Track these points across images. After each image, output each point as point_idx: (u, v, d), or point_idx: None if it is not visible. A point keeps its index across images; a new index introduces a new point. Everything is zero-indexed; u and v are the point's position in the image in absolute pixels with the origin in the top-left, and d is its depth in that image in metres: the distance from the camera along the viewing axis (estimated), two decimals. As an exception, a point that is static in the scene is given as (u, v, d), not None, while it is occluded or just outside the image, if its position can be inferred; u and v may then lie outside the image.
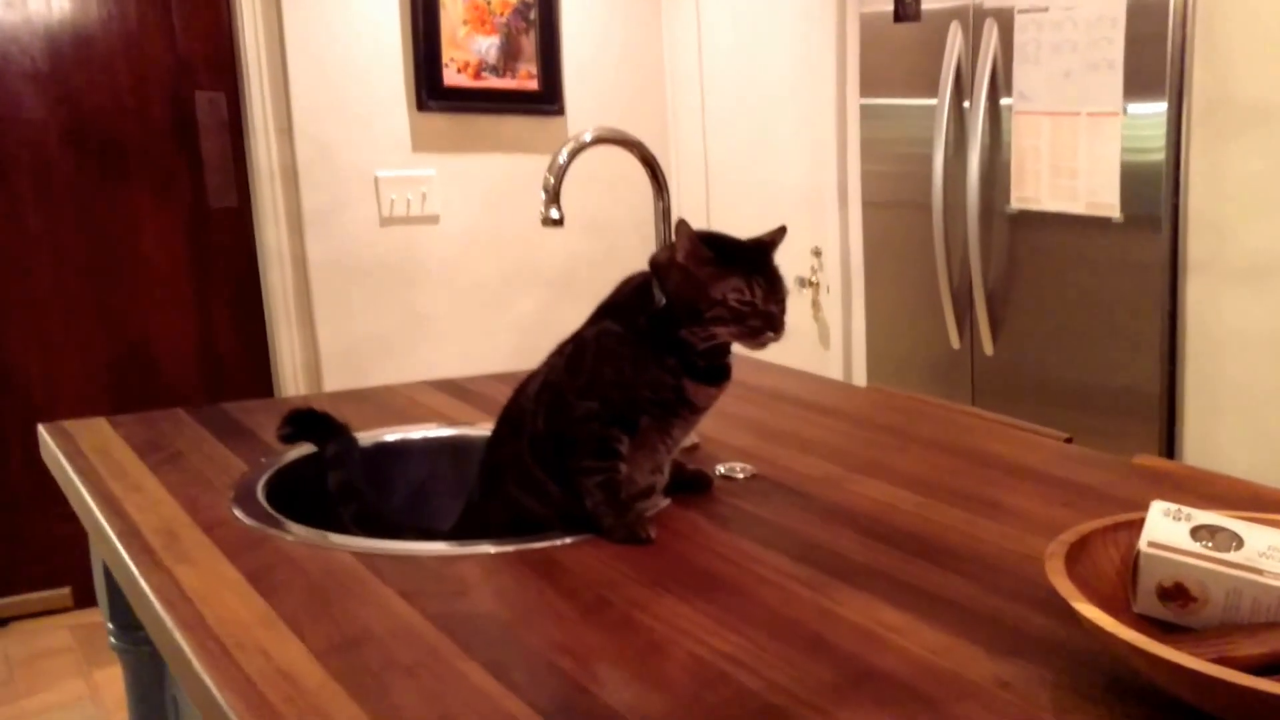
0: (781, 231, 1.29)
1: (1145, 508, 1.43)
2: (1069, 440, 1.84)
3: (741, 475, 1.50)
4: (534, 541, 1.24)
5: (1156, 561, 0.97)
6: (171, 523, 1.28)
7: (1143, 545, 0.98)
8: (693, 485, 1.43)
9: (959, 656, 0.99)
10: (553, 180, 1.52)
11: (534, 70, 3.86)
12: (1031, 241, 2.93)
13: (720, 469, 1.52)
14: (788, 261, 1.29)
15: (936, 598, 1.12)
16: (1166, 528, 1.00)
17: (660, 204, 1.59)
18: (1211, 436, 2.68)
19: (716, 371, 1.29)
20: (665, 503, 1.38)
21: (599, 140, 1.54)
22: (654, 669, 0.97)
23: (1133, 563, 0.99)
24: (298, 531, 1.26)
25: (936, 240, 3.10)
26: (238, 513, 1.31)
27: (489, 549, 1.22)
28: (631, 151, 1.58)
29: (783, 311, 1.25)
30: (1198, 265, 2.61)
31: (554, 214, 1.54)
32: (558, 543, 1.24)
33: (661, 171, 1.58)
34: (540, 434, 1.30)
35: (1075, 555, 0.98)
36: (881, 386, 2.17)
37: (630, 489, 1.30)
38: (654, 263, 1.30)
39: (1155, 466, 1.71)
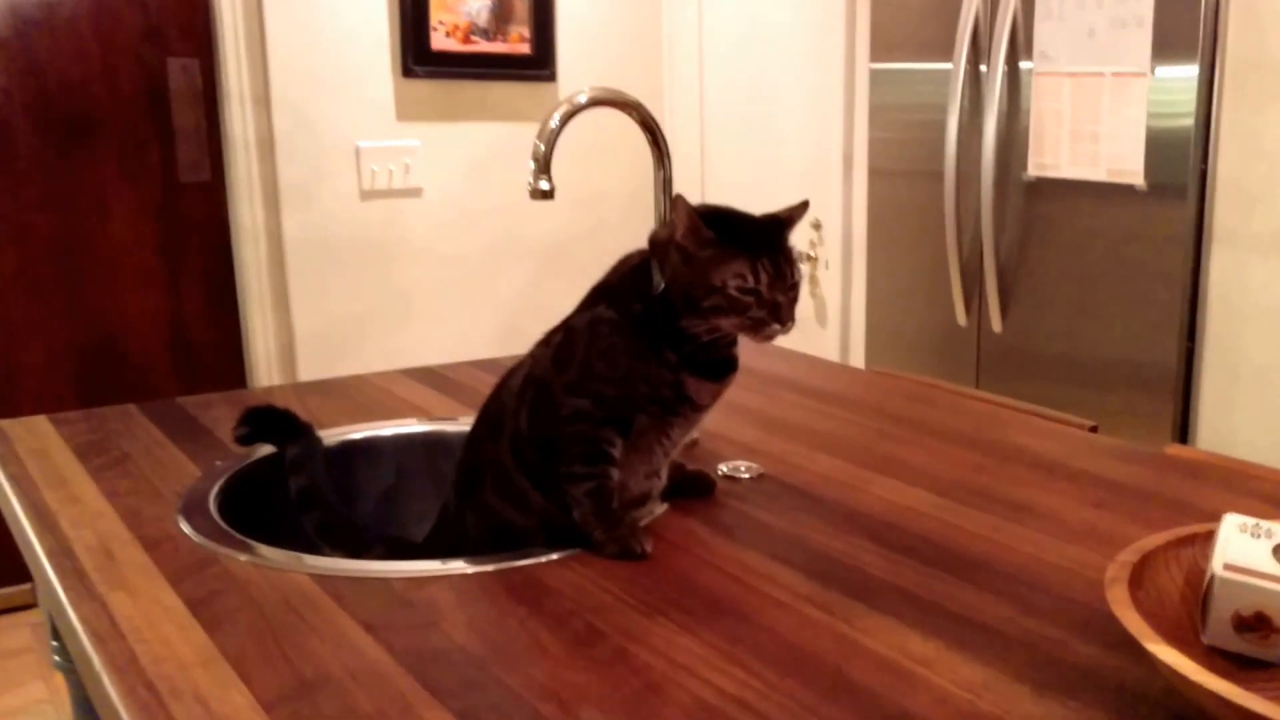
0: (802, 207, 1.15)
1: (1187, 506, 1.31)
2: (1094, 429, 1.73)
3: (746, 475, 1.37)
4: (514, 559, 1.11)
5: (1234, 588, 0.83)
6: (109, 540, 1.14)
7: (1217, 568, 0.84)
8: (693, 488, 1.29)
9: (1001, 695, 0.87)
10: (543, 148, 1.37)
11: (526, 33, 3.69)
12: (1048, 211, 2.80)
13: (722, 468, 1.39)
14: (785, 236, 1.14)
15: (968, 622, 0.99)
16: (1243, 546, 0.87)
17: (661, 173, 1.44)
18: (1227, 416, 2.56)
19: (720, 365, 1.15)
20: (662, 508, 1.24)
21: (595, 103, 1.39)
22: (651, 715, 0.84)
23: (1205, 588, 0.86)
24: (250, 550, 1.13)
25: (947, 210, 2.97)
26: (184, 527, 1.18)
27: (464, 568, 1.09)
28: (630, 115, 1.43)
29: (793, 301, 1.10)
30: (1224, 235, 2.48)
31: (543, 185, 1.39)
32: (541, 560, 1.11)
33: (664, 137, 1.44)
34: (523, 435, 1.16)
35: (1135, 578, 0.85)
36: (887, 370, 2.05)
37: (623, 496, 1.16)
38: (653, 241, 1.16)
39: (1189, 457, 1.59)
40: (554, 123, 1.37)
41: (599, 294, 1.17)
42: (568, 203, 3.82)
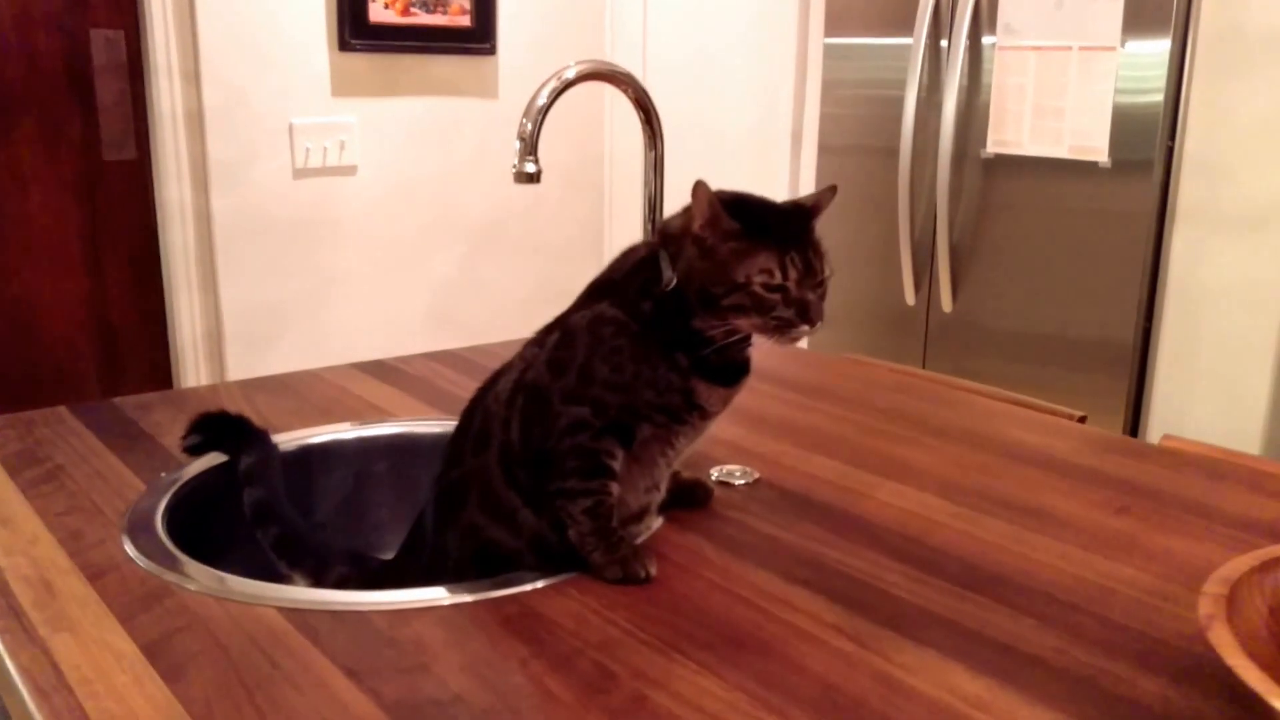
0: (830, 192, 1.04)
1: (1212, 511, 1.24)
2: (1082, 419, 1.66)
3: (742, 481, 1.27)
4: (506, 586, 1.00)
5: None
6: (48, 569, 1.02)
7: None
8: (690, 497, 1.19)
9: (1066, 742, 0.78)
10: (530, 126, 1.25)
11: (467, 4, 3.55)
12: (1005, 189, 2.73)
13: (715, 473, 1.28)
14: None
15: (1016, 653, 0.90)
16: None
17: (653, 154, 1.33)
18: (1181, 395, 2.53)
19: (733, 369, 1.05)
20: (659, 522, 1.14)
21: (584, 77, 1.27)
22: (683, 775, 0.74)
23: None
24: (207, 578, 1.01)
25: (901, 188, 2.90)
26: (131, 552, 1.05)
27: (452, 599, 0.98)
28: (623, 90, 1.31)
29: (821, 299, 0.99)
30: (1187, 213, 2.44)
31: (529, 168, 1.27)
32: (531, 587, 1.00)
33: (657, 116, 1.33)
34: (513, 447, 1.05)
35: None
36: (858, 357, 1.97)
37: (621, 512, 1.06)
38: (664, 232, 1.05)
39: (1190, 451, 1.53)
40: (542, 99, 1.25)
41: (600, 290, 1.06)
42: (504, 179, 3.68)
